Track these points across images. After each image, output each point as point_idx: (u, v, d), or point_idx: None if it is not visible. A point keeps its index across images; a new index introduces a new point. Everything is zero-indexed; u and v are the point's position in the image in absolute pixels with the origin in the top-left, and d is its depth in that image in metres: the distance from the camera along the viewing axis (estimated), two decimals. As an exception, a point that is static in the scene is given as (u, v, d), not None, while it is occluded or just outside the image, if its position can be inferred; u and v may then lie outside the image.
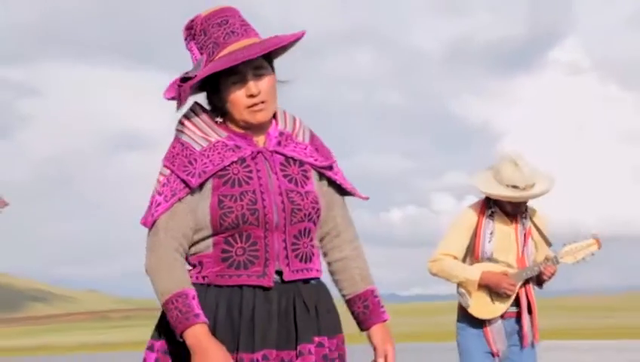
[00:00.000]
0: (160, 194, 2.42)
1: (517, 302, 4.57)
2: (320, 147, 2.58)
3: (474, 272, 4.50)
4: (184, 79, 2.42)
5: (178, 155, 2.44)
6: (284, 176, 2.47)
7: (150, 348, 2.45)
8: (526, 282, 4.57)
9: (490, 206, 4.55)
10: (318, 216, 2.48)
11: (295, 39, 2.47)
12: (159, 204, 2.41)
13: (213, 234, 2.41)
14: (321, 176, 2.55)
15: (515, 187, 4.42)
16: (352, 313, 2.59)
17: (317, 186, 2.52)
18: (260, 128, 2.50)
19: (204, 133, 2.46)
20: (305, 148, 2.53)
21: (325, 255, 2.59)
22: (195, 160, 2.42)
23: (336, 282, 2.59)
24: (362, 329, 2.58)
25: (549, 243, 4.67)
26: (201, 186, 2.42)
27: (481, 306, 4.53)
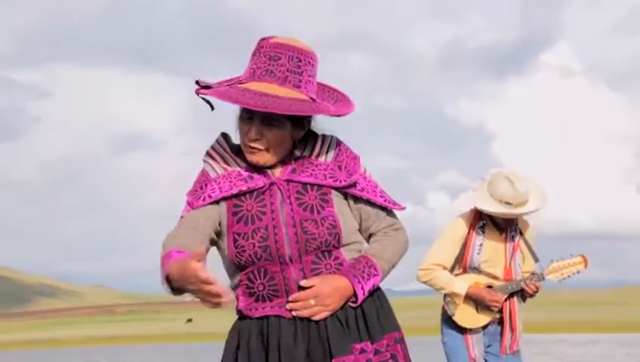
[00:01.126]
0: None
1: (500, 313, 4.68)
2: (345, 162, 2.50)
3: (461, 286, 4.61)
4: (204, 86, 2.41)
5: (196, 183, 2.51)
6: (300, 204, 2.43)
7: None
8: (510, 295, 4.67)
9: (482, 218, 4.63)
10: (338, 240, 2.43)
11: (303, 113, 2.37)
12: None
13: (238, 271, 2.47)
14: (347, 193, 2.49)
15: (507, 203, 4.51)
16: None
17: (340, 207, 2.47)
18: None
19: (225, 163, 2.49)
20: (325, 169, 2.47)
21: None
22: (206, 185, 2.47)
23: None
24: None
25: (536, 259, 4.77)
26: (213, 210, 2.43)
27: (466, 316, 4.66)
